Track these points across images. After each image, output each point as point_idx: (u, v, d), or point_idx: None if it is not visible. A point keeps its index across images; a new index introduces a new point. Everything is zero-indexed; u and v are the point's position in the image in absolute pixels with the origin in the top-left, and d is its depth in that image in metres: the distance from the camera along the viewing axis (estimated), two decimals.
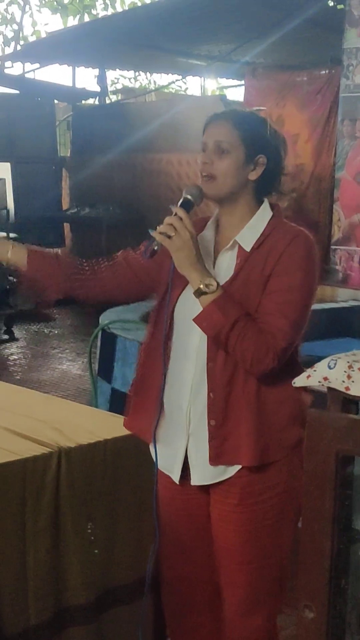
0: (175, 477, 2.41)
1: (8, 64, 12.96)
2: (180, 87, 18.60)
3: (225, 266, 2.34)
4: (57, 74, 32.12)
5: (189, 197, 2.31)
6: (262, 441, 2.27)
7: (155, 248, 2.24)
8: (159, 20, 9.83)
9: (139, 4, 16.42)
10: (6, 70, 12.79)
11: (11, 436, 2.77)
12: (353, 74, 6.75)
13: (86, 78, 17.89)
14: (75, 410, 3.24)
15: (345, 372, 1.69)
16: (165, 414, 2.40)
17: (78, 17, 16.98)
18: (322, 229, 9.16)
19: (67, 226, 12.63)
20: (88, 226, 11.86)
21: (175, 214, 2.24)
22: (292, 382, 1.96)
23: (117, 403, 4.96)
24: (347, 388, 1.68)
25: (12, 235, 10.28)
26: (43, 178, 12.22)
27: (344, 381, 1.68)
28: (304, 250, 2.28)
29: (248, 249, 2.30)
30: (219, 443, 2.29)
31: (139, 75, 18.18)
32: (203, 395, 2.30)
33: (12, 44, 16.19)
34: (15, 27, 17.10)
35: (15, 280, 8.85)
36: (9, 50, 16.20)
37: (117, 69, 15.28)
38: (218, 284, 2.23)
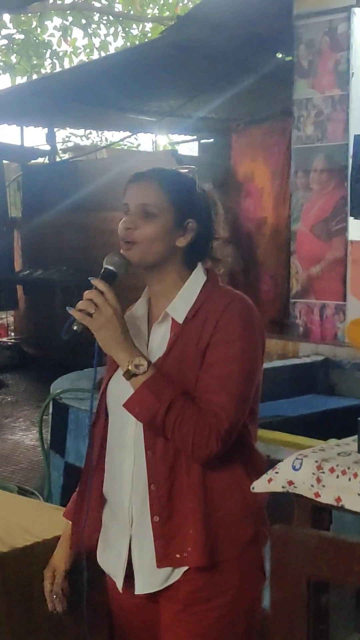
0: (119, 584, 2.12)
1: None
2: (132, 143, 18.54)
3: (158, 342, 2.10)
4: (5, 133, 32.07)
5: (110, 267, 2.05)
6: (210, 538, 1.99)
7: (75, 328, 1.98)
8: (106, 76, 9.69)
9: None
10: None
11: None
12: (304, 125, 6.61)
13: (35, 137, 17.76)
14: (10, 503, 2.89)
15: (313, 474, 1.40)
16: (106, 510, 2.15)
17: (26, 77, 16.88)
18: (281, 282, 8.97)
19: (20, 288, 12.33)
20: (42, 288, 11.58)
21: (96, 288, 1.97)
22: (251, 487, 1.67)
23: (72, 478, 4.64)
24: (317, 494, 1.39)
25: None
26: None
27: (312, 485, 1.38)
28: (242, 315, 2.03)
29: (181, 320, 2.06)
30: (165, 542, 2.02)
31: (90, 133, 18.07)
32: (144, 488, 2.04)
33: None
34: None
35: None
36: None
37: (67, 128, 15.14)
38: (149, 362, 1.98)
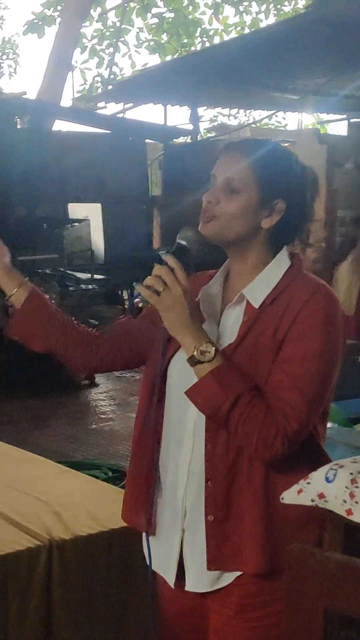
0: (170, 580, 1.96)
1: (101, 104, 12.88)
2: (280, 122, 18.22)
3: (230, 325, 1.91)
4: (148, 112, 32.26)
5: (183, 242, 1.87)
6: (270, 543, 1.81)
7: (140, 305, 1.81)
8: (250, 54, 9.46)
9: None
10: (99, 111, 12.70)
11: None
12: None
13: (179, 116, 17.73)
14: (86, 487, 2.80)
15: (346, 488, 1.20)
16: (159, 502, 1.97)
17: (176, 56, 16.85)
18: None
19: None
20: None
21: (166, 264, 1.81)
22: (281, 497, 1.48)
23: None
24: (349, 511, 1.19)
25: (98, 276, 10.07)
26: (134, 218, 12.01)
27: (345, 501, 1.19)
28: (326, 308, 1.81)
29: (257, 304, 1.86)
30: (218, 543, 1.85)
31: (238, 112, 17.90)
32: (200, 482, 1.87)
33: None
34: (114, 68, 17.17)
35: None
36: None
37: (210, 106, 15.02)
38: (217, 350, 1.79)
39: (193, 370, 1.81)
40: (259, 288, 1.88)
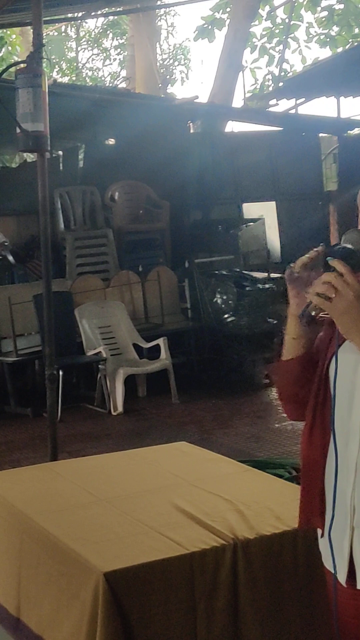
0: (341, 578, 1.91)
1: (273, 101, 12.83)
2: None
3: None
4: (320, 106, 31.71)
5: (349, 246, 1.81)
6: None
7: (313, 313, 1.78)
8: None
9: None
10: (270, 109, 12.65)
11: (182, 520, 2.38)
12: None
13: (352, 107, 17.33)
14: (269, 486, 2.78)
15: None
16: (329, 501, 1.94)
17: (348, 47, 16.54)
18: None
19: None
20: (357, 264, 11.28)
21: (334, 270, 1.76)
22: None
23: None
24: None
25: (274, 275, 10.03)
26: (309, 214, 11.86)
27: None
28: None
29: None
30: None
31: None
32: None
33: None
34: (285, 65, 17.07)
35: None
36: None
37: None
38: None
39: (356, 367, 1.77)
40: None
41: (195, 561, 2.16)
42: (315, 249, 1.85)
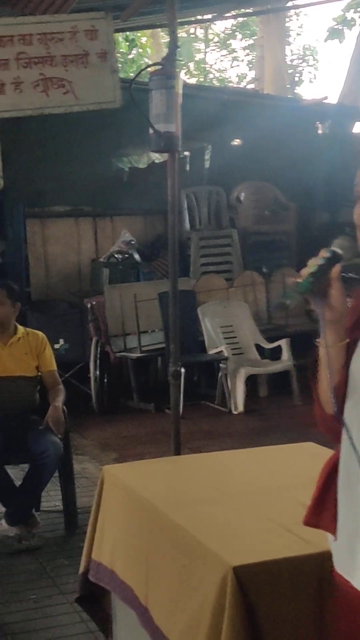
0: (356, 584, 1.82)
1: None
2: None
3: None
4: None
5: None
6: None
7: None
8: None
9: None
10: None
11: None
12: None
13: None
14: None
15: None
16: (340, 501, 1.89)
17: None
18: None
19: None
20: None
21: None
22: None
23: None
24: None
25: None
26: None
27: None
28: None
29: None
30: None
31: None
32: None
33: None
34: None
35: None
36: None
37: None
38: None
39: None
40: None
41: (326, 560, 2.14)
42: (322, 255, 1.82)
